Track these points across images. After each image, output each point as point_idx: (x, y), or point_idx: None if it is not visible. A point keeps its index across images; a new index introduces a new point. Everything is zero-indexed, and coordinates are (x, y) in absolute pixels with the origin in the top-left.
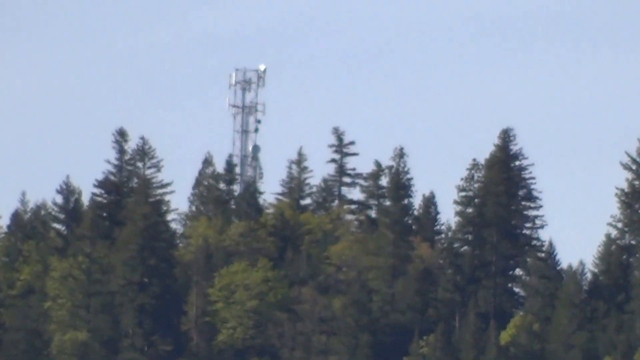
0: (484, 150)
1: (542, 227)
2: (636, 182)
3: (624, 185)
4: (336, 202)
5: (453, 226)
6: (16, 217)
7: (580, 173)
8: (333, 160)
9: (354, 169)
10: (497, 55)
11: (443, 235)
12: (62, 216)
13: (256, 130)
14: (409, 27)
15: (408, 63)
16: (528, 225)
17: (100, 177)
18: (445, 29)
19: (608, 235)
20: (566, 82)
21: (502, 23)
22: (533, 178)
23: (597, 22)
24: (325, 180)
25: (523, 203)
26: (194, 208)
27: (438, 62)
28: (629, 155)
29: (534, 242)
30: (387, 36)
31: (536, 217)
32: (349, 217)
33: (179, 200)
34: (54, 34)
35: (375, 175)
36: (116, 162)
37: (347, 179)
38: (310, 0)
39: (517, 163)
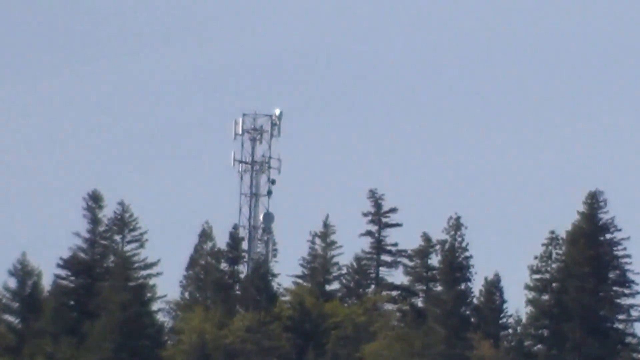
0: (565, 220)
1: (639, 320)
2: None
3: None
4: (372, 287)
5: (524, 319)
6: None
7: None
8: (368, 233)
9: (395, 245)
10: (580, 96)
11: (510, 331)
12: (15, 305)
13: (269, 193)
14: (466, 59)
15: (464, 106)
16: (621, 317)
17: (65, 254)
18: (512, 62)
19: None
20: None
21: (581, 58)
22: (628, 256)
23: None
24: (358, 259)
25: (615, 289)
26: (187, 295)
27: (502, 104)
28: None
29: (629, 339)
30: (437, 70)
31: (631, 306)
32: (389, 306)
33: (168, 285)
34: (17, 64)
35: (424, 253)
36: (87, 235)
37: (386, 258)
38: (336, 28)
39: (608, 237)
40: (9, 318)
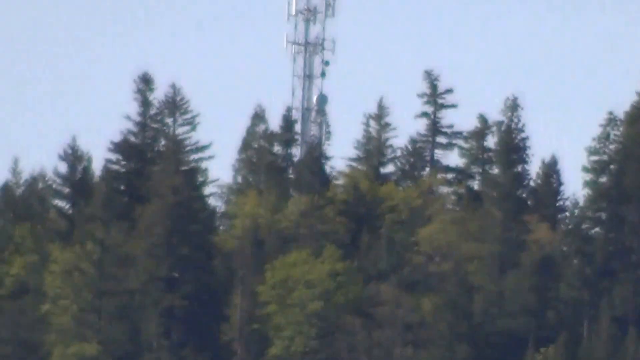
0: (624, 100)
1: None
2: None
3: None
4: (427, 169)
5: (581, 201)
6: (6, 191)
7: None
8: (424, 115)
9: (451, 126)
10: None
11: (568, 214)
12: (66, 190)
13: (323, 74)
14: None
15: None
16: None
17: (116, 138)
18: None
19: None
20: None
21: None
22: None
23: None
24: (413, 141)
25: None
26: (239, 179)
27: None
28: None
29: None
30: None
31: None
32: (445, 189)
33: (220, 169)
34: None
35: (480, 134)
36: (138, 118)
37: (442, 139)
38: None
39: None
40: (60, 203)
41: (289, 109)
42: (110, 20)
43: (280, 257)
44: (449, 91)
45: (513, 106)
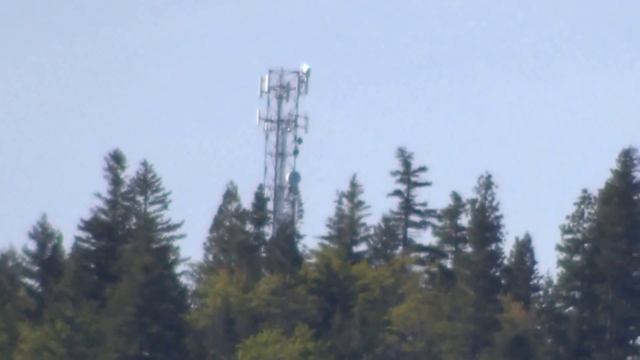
0: (598, 178)
1: None
2: None
3: None
4: (400, 248)
5: (555, 280)
6: None
7: None
8: (397, 193)
9: (424, 204)
10: (615, 50)
11: (541, 293)
12: (35, 268)
13: (295, 152)
14: (497, 18)
15: (495, 63)
16: None
17: (87, 216)
18: (543, 23)
19: None
20: None
21: (612, 18)
22: None
23: None
24: (386, 220)
25: None
26: (211, 257)
27: (532, 58)
28: None
29: None
30: (465, 26)
31: None
32: (417, 268)
33: (191, 247)
34: (37, 29)
35: (453, 213)
36: (108, 196)
37: (415, 218)
38: None
39: None
40: (29, 281)
41: (261, 187)
42: (82, 97)
43: (251, 336)
44: (422, 169)
45: (487, 184)
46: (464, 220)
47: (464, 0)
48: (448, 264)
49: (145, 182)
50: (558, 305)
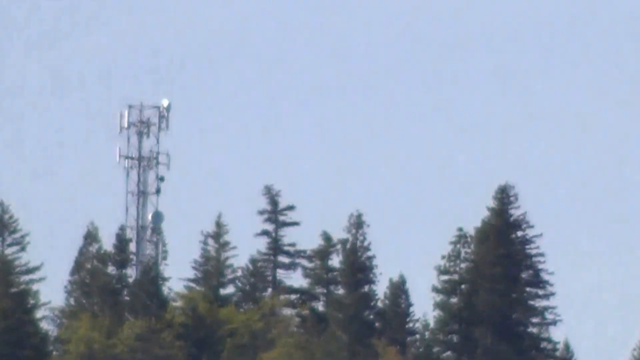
0: (474, 216)
1: (554, 323)
2: None
3: None
4: (269, 290)
5: (431, 323)
6: None
7: (608, 247)
8: (264, 233)
9: (293, 245)
10: (487, 89)
11: (418, 336)
12: None
13: (158, 191)
14: (367, 47)
15: (361, 98)
16: (535, 320)
17: None
18: (416, 57)
19: None
20: (586, 121)
21: (491, 43)
22: (542, 255)
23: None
24: (253, 261)
25: (528, 290)
26: (72, 301)
27: (402, 94)
28: None
29: (544, 344)
30: (331, 61)
31: (546, 309)
32: (288, 311)
33: (52, 291)
34: None
35: (324, 253)
36: None
37: (284, 259)
38: (226, 17)
39: (520, 234)
40: None
41: (122, 228)
42: None
43: None
44: (290, 207)
45: (358, 223)
46: (335, 261)
47: (320, 32)
48: (320, 306)
49: (2, 224)
50: (436, 349)
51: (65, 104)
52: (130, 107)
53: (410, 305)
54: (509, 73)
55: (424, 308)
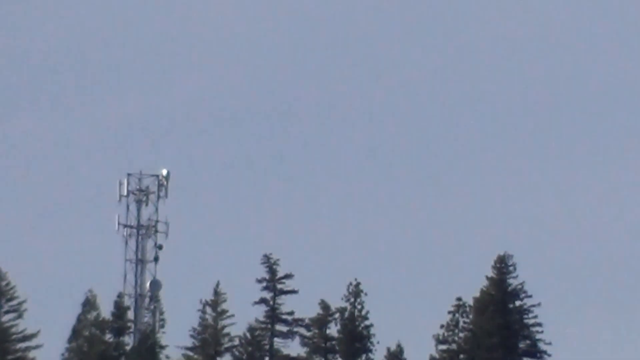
0: (473, 286)
1: None
2: None
3: None
4: (267, 359)
5: None
6: None
7: (607, 315)
8: (262, 301)
9: (291, 313)
10: (486, 154)
11: None
12: None
13: (156, 259)
14: (353, 112)
15: (360, 166)
16: None
17: None
18: (409, 114)
19: None
20: (587, 187)
21: (484, 111)
22: (539, 325)
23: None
24: (251, 329)
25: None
26: None
27: (400, 161)
28: None
29: None
30: (328, 124)
31: None
32: None
33: (48, 359)
34: None
35: (322, 322)
36: None
37: (281, 327)
38: (220, 84)
39: (518, 303)
40: None
41: (120, 295)
42: None
43: None
44: (288, 276)
45: (356, 292)
46: (333, 329)
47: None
48: None
49: None
50: None
51: (65, 171)
52: (129, 175)
53: None
54: (507, 151)
55: None
